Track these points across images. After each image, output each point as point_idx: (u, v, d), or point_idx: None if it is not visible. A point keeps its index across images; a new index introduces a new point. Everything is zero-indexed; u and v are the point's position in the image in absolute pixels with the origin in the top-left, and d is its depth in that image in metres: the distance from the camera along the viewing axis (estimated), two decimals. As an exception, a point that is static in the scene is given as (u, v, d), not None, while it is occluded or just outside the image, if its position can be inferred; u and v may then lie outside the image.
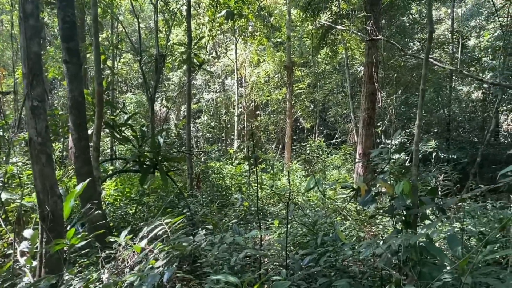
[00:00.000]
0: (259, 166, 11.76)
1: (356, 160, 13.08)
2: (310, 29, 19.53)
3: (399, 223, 4.67)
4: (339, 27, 10.33)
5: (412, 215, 4.42)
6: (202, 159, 13.32)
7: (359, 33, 9.65)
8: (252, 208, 8.15)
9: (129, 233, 5.78)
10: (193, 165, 10.18)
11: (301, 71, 21.87)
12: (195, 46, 8.07)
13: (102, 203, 7.77)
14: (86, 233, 5.20)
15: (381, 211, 5.07)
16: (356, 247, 4.27)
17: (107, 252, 3.81)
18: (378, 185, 4.88)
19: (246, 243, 4.85)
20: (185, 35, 9.50)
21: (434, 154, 14.74)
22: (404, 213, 4.47)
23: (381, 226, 7.84)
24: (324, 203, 8.79)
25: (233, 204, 8.10)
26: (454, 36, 19.91)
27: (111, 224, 6.05)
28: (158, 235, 3.55)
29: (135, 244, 4.08)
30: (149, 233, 3.54)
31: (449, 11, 24.33)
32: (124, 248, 4.08)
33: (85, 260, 4.35)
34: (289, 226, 5.86)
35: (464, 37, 19.77)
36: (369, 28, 9.33)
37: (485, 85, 21.72)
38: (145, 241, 3.34)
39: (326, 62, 20.01)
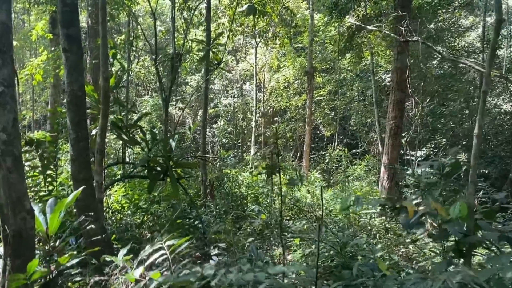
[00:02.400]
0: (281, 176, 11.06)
1: (382, 171, 12.26)
2: (334, 34, 18.88)
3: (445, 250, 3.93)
4: (370, 27, 9.60)
5: (468, 243, 3.65)
6: (217, 165, 12.66)
7: (392, 34, 8.91)
8: (270, 222, 7.44)
9: (130, 251, 5.14)
10: (207, 171, 9.53)
11: (322, 77, 21.13)
12: (214, 43, 7.46)
13: (108, 210, 7.18)
14: (83, 247, 4.58)
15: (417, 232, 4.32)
16: (401, 278, 3.51)
17: (96, 278, 3.13)
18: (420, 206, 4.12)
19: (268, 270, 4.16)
20: (204, 34, 8.89)
21: (463, 168, 13.77)
22: (456, 239, 3.72)
23: (412, 246, 7.06)
24: (349, 219, 8.02)
25: (249, 216, 7.40)
26: (485, 44, 18.93)
27: (114, 236, 5.40)
28: (158, 262, 2.88)
29: (134, 265, 3.42)
30: (149, 256, 2.87)
31: (477, 19, 23.41)
32: (121, 271, 3.44)
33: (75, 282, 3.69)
34: (313, 246, 5.13)
35: (496, 46, 18.78)
36: (403, 28, 8.59)
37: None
38: (141, 268, 2.67)
39: (349, 68, 19.23)
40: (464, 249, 3.75)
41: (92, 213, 4.33)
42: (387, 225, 7.70)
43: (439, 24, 17.78)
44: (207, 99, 8.99)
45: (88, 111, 6.23)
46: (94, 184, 5.41)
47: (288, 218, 8.75)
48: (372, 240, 6.91)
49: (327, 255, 5.10)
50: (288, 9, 13.75)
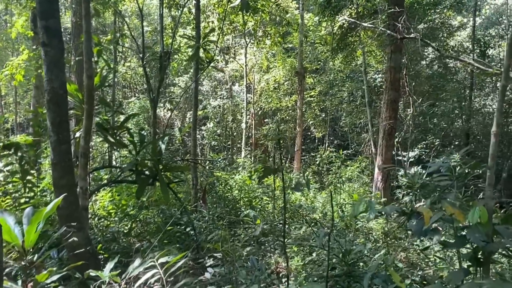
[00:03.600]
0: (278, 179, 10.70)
1: (376, 173, 12.02)
2: (324, 34, 18.65)
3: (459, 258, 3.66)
4: (365, 24, 9.34)
5: (487, 251, 3.37)
6: (208, 168, 12.29)
7: (388, 31, 8.66)
8: (265, 227, 7.10)
9: (119, 262, 4.77)
10: (198, 175, 9.16)
11: (312, 78, 20.90)
12: (205, 40, 7.11)
13: (93, 217, 6.78)
14: (66, 260, 4.20)
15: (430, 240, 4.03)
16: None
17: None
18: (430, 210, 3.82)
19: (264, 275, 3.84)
20: (193, 32, 8.55)
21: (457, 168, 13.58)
22: (473, 246, 3.44)
23: (412, 250, 6.78)
24: (346, 222, 7.73)
25: (243, 222, 7.05)
26: (475, 44, 18.89)
27: (99, 246, 5.02)
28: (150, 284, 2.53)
29: (122, 282, 3.07)
30: (139, 275, 2.53)
31: (465, 20, 23.45)
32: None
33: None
34: (314, 254, 4.81)
35: (486, 46, 18.74)
36: (400, 25, 8.35)
37: (506, 97, 20.67)
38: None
39: (340, 69, 19.01)
40: (482, 257, 3.47)
41: (76, 223, 3.96)
42: (385, 228, 7.41)
43: (429, 23, 17.67)
44: (197, 99, 8.64)
45: (72, 111, 5.85)
46: (78, 190, 5.04)
47: (280, 220, 8.43)
48: (373, 245, 6.63)
49: (329, 262, 4.79)
50: (279, 6, 13.44)
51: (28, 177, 5.59)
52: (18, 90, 20.31)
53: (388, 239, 7.45)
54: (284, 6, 15.90)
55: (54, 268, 2.99)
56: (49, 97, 3.82)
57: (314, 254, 4.78)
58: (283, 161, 18.32)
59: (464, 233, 3.41)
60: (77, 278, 3.70)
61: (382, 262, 4.93)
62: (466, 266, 3.67)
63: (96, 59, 5.82)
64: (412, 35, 8.59)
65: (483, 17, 24.40)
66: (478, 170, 4.16)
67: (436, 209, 3.81)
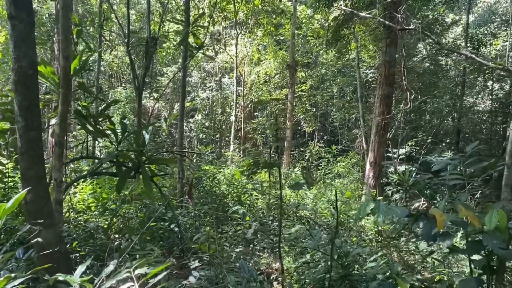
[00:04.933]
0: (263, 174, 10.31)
1: (367, 169, 11.73)
2: (317, 27, 18.29)
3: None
4: (363, 14, 8.97)
5: (503, 258, 3.05)
6: (195, 161, 11.87)
7: (387, 22, 8.32)
8: (254, 224, 6.74)
9: (95, 260, 4.36)
10: (184, 168, 8.75)
11: (303, 72, 20.54)
12: (194, 25, 6.69)
13: (71, 211, 6.34)
14: (33, 261, 3.79)
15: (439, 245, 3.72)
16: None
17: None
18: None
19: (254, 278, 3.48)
20: (183, 17, 8.10)
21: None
22: (486, 252, 3.13)
23: (407, 250, 6.49)
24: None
25: (231, 218, 6.67)
26: (468, 42, 18.72)
27: (75, 244, 4.60)
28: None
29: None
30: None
31: (457, 17, 23.31)
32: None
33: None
34: (308, 255, 4.46)
35: (479, 44, 18.59)
36: (399, 15, 8.01)
37: (495, 96, 20.61)
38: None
39: (332, 63, 18.68)
40: (496, 264, 3.16)
41: (46, 218, 3.55)
42: (380, 227, 7.10)
43: (423, 20, 17.43)
44: (185, 89, 8.20)
45: (48, 96, 5.40)
46: (52, 182, 4.61)
47: (273, 219, 8.07)
48: (366, 245, 6.32)
49: (323, 265, 4.45)
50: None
51: (-1, 167, 5.13)
52: None
53: (382, 238, 7.15)
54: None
55: (13, 275, 2.58)
56: (17, 77, 3.38)
57: (308, 256, 4.43)
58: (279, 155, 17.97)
59: (477, 238, 3.09)
60: (46, 281, 3.30)
61: (378, 265, 4.61)
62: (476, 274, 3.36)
63: (75, 40, 5.36)
64: (412, 27, 8.27)
65: (475, 15, 24.27)
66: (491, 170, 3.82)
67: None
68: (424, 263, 5.95)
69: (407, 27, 8.24)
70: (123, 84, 25.05)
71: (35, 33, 4.16)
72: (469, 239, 3.14)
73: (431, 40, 18.15)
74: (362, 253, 4.46)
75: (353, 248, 4.41)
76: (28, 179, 3.52)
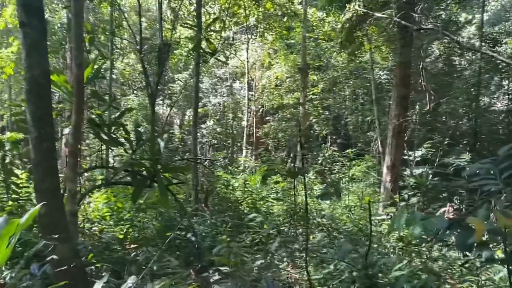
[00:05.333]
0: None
1: (384, 173, 11.49)
2: (328, 30, 18.10)
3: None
4: (378, 14, 8.79)
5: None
6: (208, 167, 11.74)
7: (403, 22, 8.11)
8: (271, 231, 6.57)
9: (112, 274, 4.24)
10: (198, 175, 8.62)
11: (315, 75, 20.34)
12: (207, 30, 6.58)
13: (86, 222, 6.25)
14: (48, 277, 3.67)
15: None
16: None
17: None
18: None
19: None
20: (194, 22, 7.99)
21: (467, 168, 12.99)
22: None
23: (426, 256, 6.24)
24: (357, 225, 7.18)
25: (248, 226, 6.51)
26: (483, 40, 18.35)
27: (90, 256, 4.48)
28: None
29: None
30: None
31: (470, 17, 22.96)
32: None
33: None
34: (331, 266, 4.28)
35: (495, 42, 18.24)
36: (417, 15, 7.80)
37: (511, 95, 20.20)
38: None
39: (344, 65, 18.46)
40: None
41: (61, 232, 3.43)
42: (402, 234, 6.86)
43: (436, 19, 17.16)
44: (198, 95, 8.10)
45: (61, 105, 5.32)
46: (66, 194, 4.50)
47: (289, 226, 7.89)
48: (387, 251, 6.10)
49: (348, 275, 4.26)
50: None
51: (12, 178, 5.04)
52: (13, 87, 19.69)
53: (403, 245, 6.92)
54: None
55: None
56: (29, 87, 3.29)
57: (331, 266, 4.24)
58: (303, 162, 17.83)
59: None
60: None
61: (405, 275, 4.40)
62: None
63: (88, 48, 5.27)
64: (429, 26, 8.06)
65: (489, 13, 23.86)
66: None
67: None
68: (450, 270, 5.72)
69: (425, 27, 8.03)
70: (135, 92, 25.10)
71: (47, 42, 4.06)
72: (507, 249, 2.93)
73: (445, 40, 17.93)
74: (388, 263, 4.26)
75: (378, 257, 4.22)
76: (42, 191, 3.41)
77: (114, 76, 23.72)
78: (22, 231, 4.39)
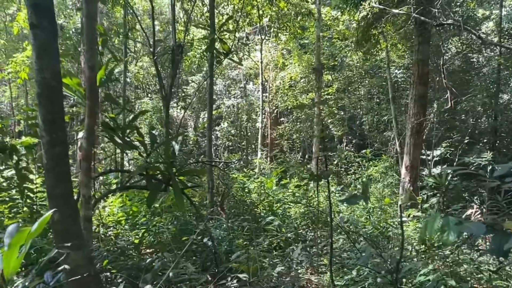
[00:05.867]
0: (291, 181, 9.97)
1: (403, 173, 11.23)
2: (342, 29, 17.88)
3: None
4: (395, 11, 8.55)
5: None
6: (225, 170, 11.62)
7: (421, 18, 7.87)
8: (289, 235, 6.41)
9: (126, 283, 4.13)
10: (214, 178, 8.50)
11: (330, 75, 20.12)
12: (221, 30, 6.46)
13: (101, 226, 6.17)
14: (62, 285, 3.57)
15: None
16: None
17: None
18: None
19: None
20: (207, 25, 7.87)
21: (489, 168, 12.66)
22: None
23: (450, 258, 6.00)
24: (377, 227, 6.97)
25: (265, 230, 6.37)
26: (502, 36, 17.91)
27: (105, 262, 4.38)
28: None
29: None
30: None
31: (487, 12, 22.49)
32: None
33: None
34: (354, 272, 4.10)
35: (514, 38, 17.78)
36: (435, 10, 7.55)
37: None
38: None
39: (359, 64, 18.20)
40: None
41: (74, 239, 3.33)
42: (426, 237, 6.62)
43: (455, 15, 16.79)
44: (212, 96, 7.97)
45: (74, 109, 5.25)
46: (80, 199, 4.41)
47: (305, 227, 7.71)
48: (410, 254, 5.88)
49: (371, 281, 4.07)
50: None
51: (27, 184, 4.98)
52: (30, 92, 19.91)
53: (426, 247, 6.68)
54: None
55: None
56: (40, 90, 3.19)
57: (354, 272, 4.06)
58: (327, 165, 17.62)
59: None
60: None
61: (432, 282, 4.19)
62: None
63: (101, 49, 5.19)
64: (450, 21, 7.80)
65: (508, 9, 23.33)
66: None
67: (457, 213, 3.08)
68: (476, 275, 5.47)
69: (445, 22, 7.78)
70: (149, 95, 25.19)
71: (62, 47, 3.98)
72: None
73: (463, 37, 17.56)
74: (412, 267, 4.06)
75: (405, 263, 4.03)
76: (54, 197, 3.31)
77: (128, 80, 23.88)
78: (36, 238, 4.31)
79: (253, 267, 3.29)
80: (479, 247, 5.78)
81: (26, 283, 3.01)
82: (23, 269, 3.83)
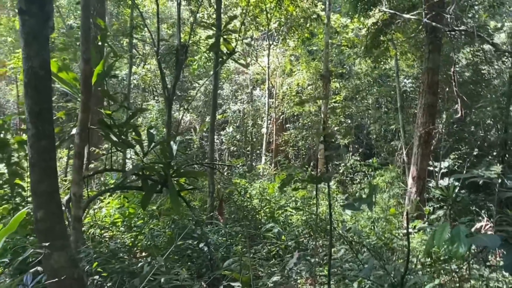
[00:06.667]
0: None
1: (410, 184, 10.96)
2: (351, 36, 17.70)
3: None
4: (406, 16, 8.35)
5: None
6: (226, 174, 11.42)
7: (433, 23, 7.66)
8: (290, 243, 6.18)
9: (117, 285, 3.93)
10: (215, 181, 8.30)
11: (337, 83, 19.90)
12: (225, 29, 6.29)
13: (95, 228, 5.98)
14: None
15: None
16: None
17: None
18: None
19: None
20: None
21: (499, 181, 12.32)
22: None
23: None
24: (381, 238, 6.72)
25: (265, 237, 6.15)
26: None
27: (95, 265, 4.18)
28: None
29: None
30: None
31: (499, 25, 22.26)
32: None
33: None
34: (356, 285, 3.86)
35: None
36: (448, 16, 7.34)
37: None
38: None
39: (368, 72, 17.97)
40: None
41: (58, 239, 3.14)
42: (433, 249, 6.36)
43: (466, 25, 16.55)
44: (216, 98, 7.81)
45: (70, 104, 5.09)
46: (71, 197, 4.23)
47: (306, 235, 7.48)
48: (415, 268, 5.62)
49: (373, 295, 3.83)
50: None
51: (17, 180, 4.80)
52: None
53: (432, 260, 6.41)
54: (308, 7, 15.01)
55: None
56: (27, 79, 3.02)
57: (355, 285, 3.83)
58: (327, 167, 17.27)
59: None
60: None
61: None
62: None
63: (99, 45, 5.02)
64: (462, 28, 7.58)
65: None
66: None
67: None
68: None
69: (457, 29, 7.55)
70: (156, 98, 25.08)
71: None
72: None
73: (473, 48, 17.30)
74: (418, 282, 3.83)
75: (408, 275, 3.78)
76: (39, 194, 3.12)
77: (135, 82, 23.81)
78: (18, 237, 4.11)
79: (246, 276, 3.07)
80: (490, 263, 5.51)
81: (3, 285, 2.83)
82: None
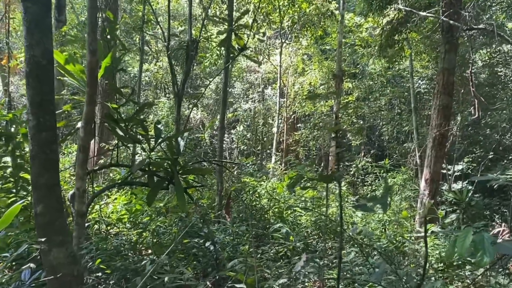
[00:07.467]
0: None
1: (422, 186, 10.71)
2: (365, 36, 17.45)
3: None
4: (423, 13, 8.12)
5: None
6: (235, 173, 11.29)
7: (450, 21, 7.43)
8: (298, 244, 6.03)
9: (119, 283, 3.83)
10: (223, 180, 8.19)
11: (350, 83, 19.67)
12: (236, 24, 6.16)
13: (100, 224, 5.90)
14: (41, 284, 3.28)
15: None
16: None
17: None
18: None
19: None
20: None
21: (515, 185, 12.04)
22: None
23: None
24: (393, 242, 6.53)
25: (273, 237, 6.00)
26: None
27: (98, 262, 4.08)
28: None
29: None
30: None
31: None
32: None
33: None
34: (366, 289, 3.71)
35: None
36: (466, 13, 7.12)
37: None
38: None
39: (381, 72, 17.71)
40: None
41: (57, 234, 3.04)
42: (444, 253, 6.17)
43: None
44: (226, 94, 7.68)
45: (76, 97, 5.00)
46: (74, 192, 4.14)
47: (316, 237, 7.32)
48: (429, 274, 5.44)
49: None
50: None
51: (22, 173, 4.73)
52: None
53: (444, 266, 6.21)
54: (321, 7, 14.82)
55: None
56: (29, 69, 2.92)
57: (365, 289, 3.68)
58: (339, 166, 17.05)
59: None
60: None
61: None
62: None
63: (108, 38, 4.93)
64: (481, 26, 7.35)
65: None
66: None
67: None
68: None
69: (476, 27, 7.32)
70: (167, 95, 25.09)
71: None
72: None
73: (493, 47, 16.95)
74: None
75: (417, 280, 3.61)
76: (39, 187, 3.02)
77: (147, 79, 23.83)
78: (19, 232, 4.02)
79: (250, 279, 2.94)
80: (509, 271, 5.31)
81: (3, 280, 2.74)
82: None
